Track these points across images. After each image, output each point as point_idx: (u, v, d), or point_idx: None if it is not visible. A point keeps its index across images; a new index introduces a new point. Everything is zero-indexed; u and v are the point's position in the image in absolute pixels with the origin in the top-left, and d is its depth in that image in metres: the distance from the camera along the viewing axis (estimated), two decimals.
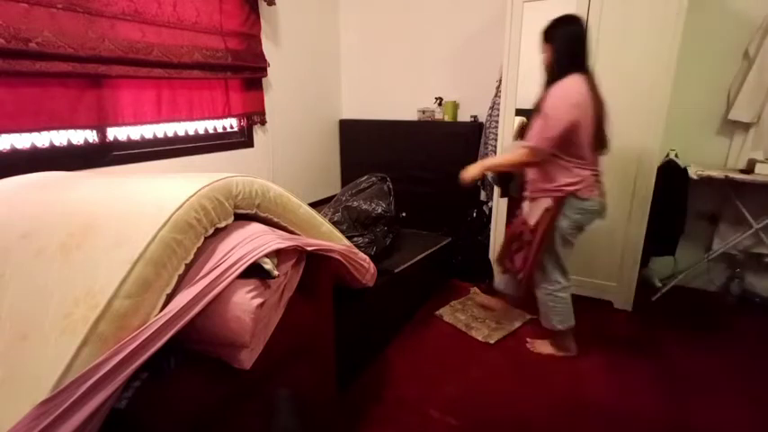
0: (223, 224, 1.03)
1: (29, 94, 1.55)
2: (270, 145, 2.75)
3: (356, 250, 1.51)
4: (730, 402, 1.70)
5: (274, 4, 2.49)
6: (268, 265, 1.04)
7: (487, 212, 2.77)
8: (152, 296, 0.86)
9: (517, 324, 2.25)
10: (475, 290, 2.55)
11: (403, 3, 3.07)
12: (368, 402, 1.69)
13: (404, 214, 2.66)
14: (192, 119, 2.22)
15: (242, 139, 2.57)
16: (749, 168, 2.24)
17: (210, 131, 2.39)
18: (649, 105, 2.11)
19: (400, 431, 1.56)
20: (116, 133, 1.92)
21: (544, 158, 1.68)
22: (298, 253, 1.24)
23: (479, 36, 2.86)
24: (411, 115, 3.13)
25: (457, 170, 1.92)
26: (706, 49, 2.38)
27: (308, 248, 1.23)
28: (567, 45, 1.65)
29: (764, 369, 1.91)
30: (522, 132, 1.98)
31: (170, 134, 2.16)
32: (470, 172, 1.87)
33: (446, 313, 2.35)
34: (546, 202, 1.76)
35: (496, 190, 2.54)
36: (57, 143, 1.71)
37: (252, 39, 2.43)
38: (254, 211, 1.13)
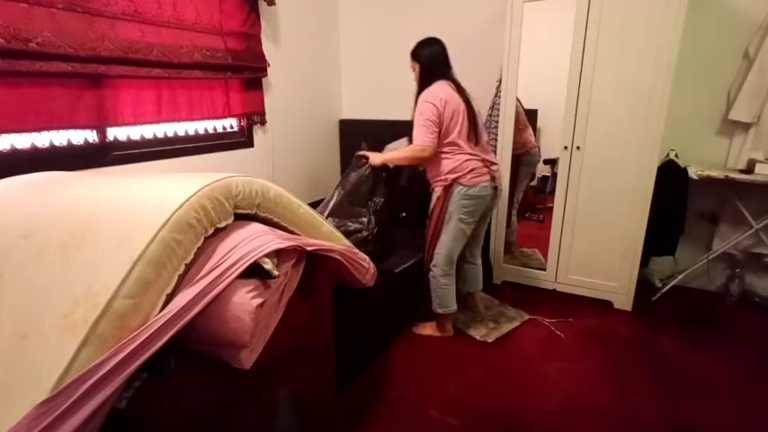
0: (223, 224, 1.03)
1: (29, 94, 1.55)
2: (270, 145, 2.75)
3: (356, 250, 1.52)
4: (730, 402, 1.70)
5: (274, 4, 2.49)
6: (268, 265, 1.04)
7: (495, 213, 2.77)
8: (152, 296, 0.86)
9: (516, 323, 2.25)
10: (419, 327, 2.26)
11: (403, 3, 3.07)
12: (368, 402, 1.69)
13: (404, 214, 2.65)
14: (191, 119, 2.21)
15: (242, 139, 2.57)
16: (749, 168, 2.24)
17: (210, 131, 2.39)
18: (649, 105, 2.12)
19: (400, 431, 1.56)
20: (116, 133, 1.92)
21: (432, 153, 1.89)
22: (298, 253, 1.24)
23: (479, 36, 2.86)
24: (411, 115, 3.12)
25: None
26: (706, 49, 2.38)
27: (308, 248, 1.23)
28: (429, 61, 2.00)
29: (764, 369, 1.91)
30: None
31: (170, 134, 2.16)
32: (374, 160, 2.09)
33: None
34: (438, 191, 1.98)
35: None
36: (57, 143, 1.71)
37: (252, 39, 2.42)
38: (254, 211, 1.13)
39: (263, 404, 1.14)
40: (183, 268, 0.93)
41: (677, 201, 2.44)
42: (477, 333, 2.16)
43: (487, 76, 2.78)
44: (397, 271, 2.14)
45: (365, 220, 2.09)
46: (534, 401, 1.71)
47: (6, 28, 1.40)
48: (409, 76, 3.18)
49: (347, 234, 1.94)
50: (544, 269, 2.60)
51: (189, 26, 2.04)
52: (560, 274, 2.54)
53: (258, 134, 2.65)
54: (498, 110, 2.52)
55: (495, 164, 2.01)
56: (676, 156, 2.43)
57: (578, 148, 2.32)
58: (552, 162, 2.68)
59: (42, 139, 1.66)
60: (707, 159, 2.48)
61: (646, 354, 2.02)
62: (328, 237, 1.40)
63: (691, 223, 2.54)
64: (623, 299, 2.40)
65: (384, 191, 2.18)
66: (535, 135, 2.74)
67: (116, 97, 1.84)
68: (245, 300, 0.98)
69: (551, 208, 2.49)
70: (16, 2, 1.43)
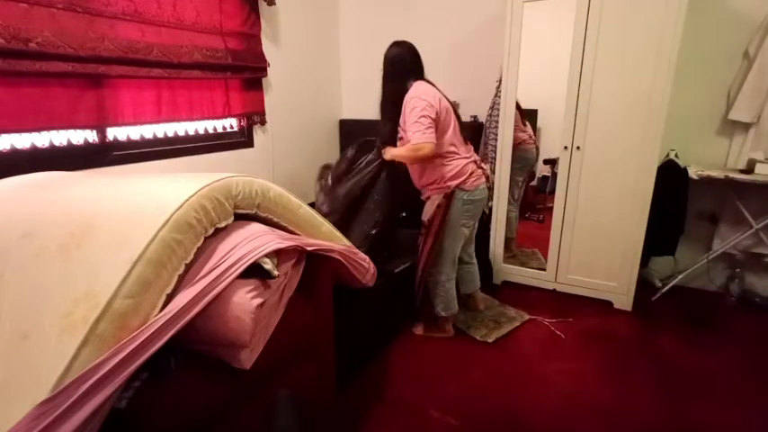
0: (223, 224, 1.03)
1: (29, 94, 1.55)
2: (270, 145, 2.75)
3: (356, 250, 1.52)
4: (730, 402, 1.70)
5: (274, 4, 2.49)
6: (268, 265, 1.04)
7: (487, 212, 2.77)
8: (152, 296, 0.86)
9: (516, 323, 2.25)
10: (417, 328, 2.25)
11: (403, 3, 3.07)
12: (368, 402, 1.69)
13: (404, 214, 2.65)
14: (191, 119, 2.22)
15: (242, 139, 2.57)
16: (749, 168, 2.24)
17: (210, 131, 2.39)
18: (649, 105, 2.11)
19: (400, 431, 1.56)
20: (116, 133, 1.92)
21: (431, 151, 1.74)
22: (298, 253, 1.24)
23: (479, 36, 2.86)
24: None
25: None
26: (706, 49, 2.38)
27: (308, 248, 1.23)
28: (396, 64, 1.91)
29: (764, 369, 1.91)
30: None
31: (170, 134, 2.16)
32: (386, 154, 1.96)
33: None
34: (437, 199, 1.89)
35: (496, 190, 2.55)
36: (57, 143, 1.71)
37: (252, 39, 2.43)
38: (254, 211, 1.13)
39: (263, 404, 1.14)
40: (183, 268, 0.93)
41: (677, 201, 2.44)
42: (478, 333, 2.16)
43: (487, 76, 2.78)
44: (397, 271, 2.14)
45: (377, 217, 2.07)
46: (534, 401, 1.71)
47: (6, 28, 1.40)
48: None
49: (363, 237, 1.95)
50: (544, 269, 2.60)
51: (189, 26, 2.05)
52: (560, 274, 2.54)
53: (258, 134, 2.65)
54: (498, 110, 2.52)
55: (483, 161, 2.05)
56: (676, 156, 2.43)
57: (578, 148, 2.32)
58: (552, 162, 2.68)
59: (42, 139, 1.66)
60: (707, 159, 2.48)
61: (646, 354, 2.02)
62: (328, 237, 1.40)
63: (691, 223, 2.54)
64: (623, 299, 2.40)
65: (385, 190, 2.18)
66: (535, 135, 2.73)
67: (116, 97, 1.84)
68: (245, 300, 0.98)
69: (551, 208, 2.49)
70: (16, 2, 1.44)
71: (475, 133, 2.83)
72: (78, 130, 1.77)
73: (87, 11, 1.64)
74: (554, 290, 2.58)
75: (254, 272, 1.02)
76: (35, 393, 0.71)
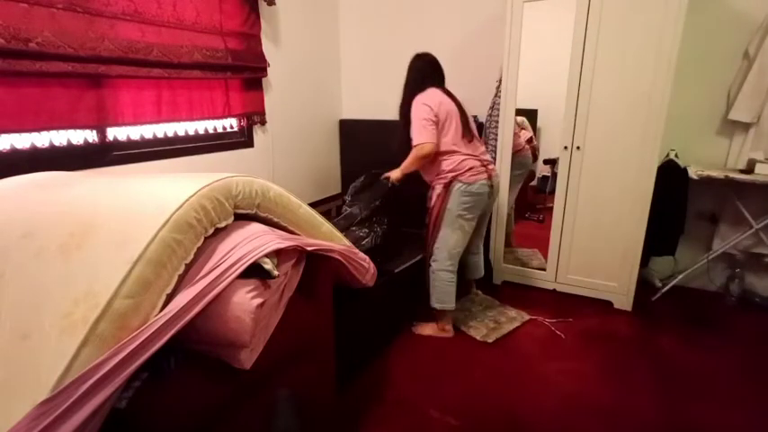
0: (223, 224, 1.03)
1: (29, 94, 1.55)
2: (270, 145, 2.75)
3: (356, 250, 1.51)
4: (730, 402, 1.70)
5: (274, 4, 2.49)
6: (268, 265, 1.04)
7: (490, 212, 2.77)
8: (152, 296, 0.86)
9: (516, 323, 2.25)
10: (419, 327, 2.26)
11: (403, 3, 3.07)
12: (368, 402, 1.69)
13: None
14: (191, 119, 2.21)
15: (242, 139, 2.57)
16: (749, 168, 2.24)
17: (210, 131, 2.39)
18: (649, 105, 2.12)
19: (400, 431, 1.56)
20: (116, 133, 1.92)
21: (432, 152, 1.96)
22: (298, 253, 1.24)
23: (479, 36, 2.86)
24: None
25: None
26: (706, 49, 2.38)
27: (308, 248, 1.23)
28: (417, 73, 2.15)
29: (764, 369, 1.91)
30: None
31: (170, 134, 2.16)
32: (395, 176, 2.13)
33: None
34: (438, 189, 2.04)
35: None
36: (57, 143, 1.71)
37: (252, 39, 2.42)
38: (254, 211, 1.13)
39: (263, 404, 1.14)
40: (183, 268, 0.93)
41: (677, 201, 2.44)
42: (478, 333, 2.16)
43: (487, 76, 2.78)
44: (397, 271, 2.14)
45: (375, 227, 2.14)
46: (534, 401, 1.71)
47: (6, 28, 1.40)
48: None
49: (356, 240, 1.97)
50: (544, 269, 2.60)
51: (189, 26, 2.04)
52: (560, 274, 2.54)
53: (258, 134, 2.65)
54: (498, 110, 2.52)
55: (491, 162, 2.10)
56: (676, 156, 2.43)
57: (578, 148, 2.33)
58: (552, 162, 2.68)
59: (42, 139, 1.66)
60: (707, 159, 2.48)
61: (646, 354, 2.02)
62: (328, 237, 1.40)
63: (691, 223, 2.54)
64: (623, 299, 2.40)
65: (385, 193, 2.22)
66: (535, 135, 2.74)
67: (116, 97, 1.84)
68: (245, 300, 0.98)
69: (551, 208, 2.49)
70: (16, 2, 1.43)
71: None
72: (78, 130, 1.76)
73: (87, 11, 1.64)
74: (554, 290, 2.59)
75: (254, 272, 1.02)
76: (35, 393, 0.71)
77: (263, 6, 2.47)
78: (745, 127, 2.36)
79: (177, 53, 1.97)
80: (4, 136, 1.54)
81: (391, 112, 3.25)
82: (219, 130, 2.45)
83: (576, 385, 1.80)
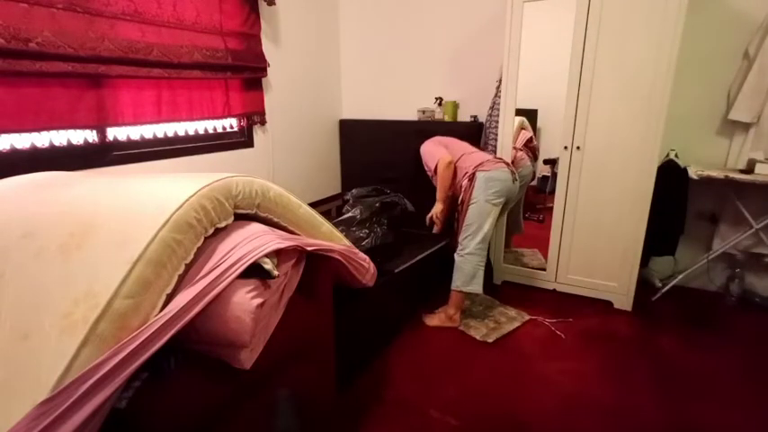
0: (223, 224, 1.03)
1: (29, 94, 1.55)
2: (270, 145, 2.75)
3: (356, 250, 1.51)
4: (730, 402, 1.70)
5: (274, 4, 2.49)
6: (268, 265, 1.04)
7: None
8: (152, 296, 0.86)
9: (516, 323, 2.25)
10: (428, 317, 2.32)
11: (403, 3, 3.07)
12: (368, 402, 1.69)
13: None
14: (191, 119, 2.22)
15: (242, 139, 2.57)
16: (749, 168, 2.24)
17: (210, 131, 2.39)
18: (649, 105, 2.12)
19: (400, 431, 1.56)
20: (116, 133, 1.92)
21: (451, 161, 2.24)
22: (298, 253, 1.24)
23: (479, 36, 2.86)
24: (411, 115, 3.13)
25: None
26: (706, 49, 2.38)
27: (308, 248, 1.23)
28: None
29: (764, 369, 1.91)
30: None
31: (170, 134, 2.16)
32: (438, 210, 2.32)
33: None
34: (465, 183, 2.19)
35: None
36: (57, 143, 1.71)
37: (252, 39, 2.43)
38: (254, 211, 1.13)
39: (263, 404, 1.14)
40: (183, 268, 0.93)
41: (677, 201, 2.44)
42: (478, 333, 2.16)
43: (487, 76, 2.78)
44: (397, 271, 2.14)
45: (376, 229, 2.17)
46: (534, 401, 1.71)
47: (6, 28, 1.40)
48: (409, 76, 3.22)
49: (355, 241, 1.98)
50: (544, 269, 2.60)
51: (189, 26, 2.05)
52: (560, 274, 2.54)
53: (258, 134, 2.65)
54: (498, 110, 2.52)
55: (503, 159, 2.31)
56: (676, 156, 2.43)
57: (578, 148, 2.33)
58: (552, 162, 2.68)
59: (42, 139, 1.66)
60: (707, 159, 2.48)
61: (646, 354, 2.02)
62: (328, 237, 1.40)
63: (691, 223, 2.54)
64: (623, 299, 2.40)
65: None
66: (535, 135, 2.73)
67: (116, 97, 1.84)
68: (245, 300, 0.98)
69: (551, 208, 2.49)
70: (16, 2, 1.44)
71: (475, 133, 2.83)
72: (78, 130, 1.77)
73: (87, 11, 1.64)
74: (554, 290, 2.59)
75: (254, 272, 1.02)
76: (35, 393, 0.71)
77: (263, 6, 2.47)
78: (745, 127, 2.36)
79: (177, 53, 1.97)
80: (4, 136, 1.54)
81: (391, 112, 3.27)
82: (219, 130, 2.45)
83: (576, 385, 1.80)
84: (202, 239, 0.98)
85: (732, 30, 2.32)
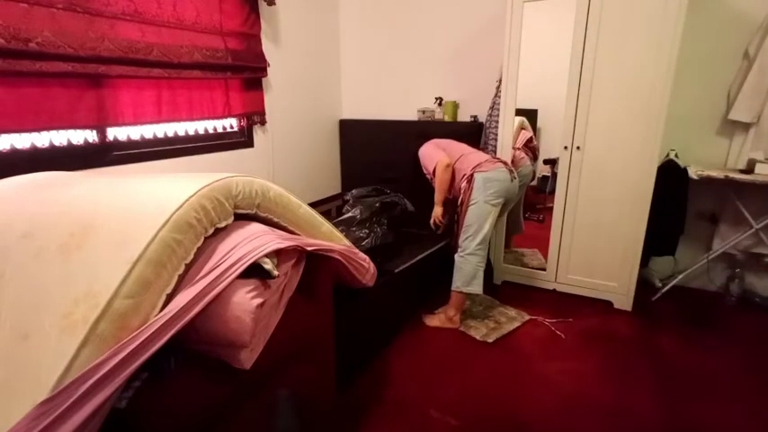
0: (223, 224, 1.03)
1: (29, 94, 1.55)
2: (270, 145, 2.75)
3: (356, 250, 1.51)
4: (730, 402, 1.70)
5: (274, 4, 2.49)
6: (268, 265, 1.04)
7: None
8: (152, 296, 0.86)
9: (516, 323, 2.25)
10: (428, 318, 2.33)
11: (403, 3, 3.07)
12: (368, 402, 1.69)
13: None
14: (191, 119, 2.22)
15: (242, 139, 2.57)
16: (749, 168, 2.24)
17: (210, 131, 2.39)
18: (649, 105, 2.12)
19: (400, 431, 1.56)
20: (116, 133, 1.92)
21: (450, 163, 2.24)
22: (298, 253, 1.24)
23: (479, 36, 2.86)
24: (411, 115, 3.13)
25: None
26: (706, 49, 2.38)
27: (308, 248, 1.23)
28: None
29: (764, 369, 1.91)
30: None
31: (170, 134, 2.16)
32: (438, 213, 2.34)
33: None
34: (463, 186, 2.19)
35: None
36: (57, 143, 1.71)
37: (252, 39, 2.43)
38: (254, 211, 1.13)
39: (263, 404, 1.14)
40: (183, 268, 0.93)
41: (677, 201, 2.44)
42: (478, 333, 2.16)
43: (487, 76, 2.78)
44: (397, 271, 2.14)
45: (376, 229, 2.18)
46: (534, 401, 1.71)
47: (6, 28, 1.40)
48: (409, 76, 3.22)
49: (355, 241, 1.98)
50: (544, 269, 2.60)
51: (189, 26, 2.05)
52: (560, 274, 2.54)
53: (258, 134, 2.65)
54: (498, 110, 2.52)
55: (501, 158, 2.31)
56: (676, 156, 2.43)
57: (578, 148, 2.33)
58: (552, 162, 2.68)
59: (42, 139, 1.66)
60: (707, 159, 2.48)
61: (646, 354, 2.02)
62: (328, 237, 1.40)
63: (691, 223, 2.54)
64: (623, 299, 2.40)
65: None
66: (535, 135, 2.73)
67: (116, 97, 1.84)
68: (245, 300, 0.98)
69: (551, 208, 2.49)
70: (16, 2, 1.44)
71: (475, 133, 2.83)
72: (78, 130, 1.77)
73: (87, 11, 1.64)
74: (554, 290, 2.59)
75: (254, 272, 1.02)
76: (35, 393, 0.71)
77: (263, 6, 2.47)
78: (745, 127, 2.36)
79: (177, 53, 1.97)
80: (4, 136, 1.54)
81: (391, 112, 3.27)
82: (219, 130, 2.45)
83: (576, 385, 1.80)
84: (202, 239, 0.98)
85: (732, 30, 2.32)
